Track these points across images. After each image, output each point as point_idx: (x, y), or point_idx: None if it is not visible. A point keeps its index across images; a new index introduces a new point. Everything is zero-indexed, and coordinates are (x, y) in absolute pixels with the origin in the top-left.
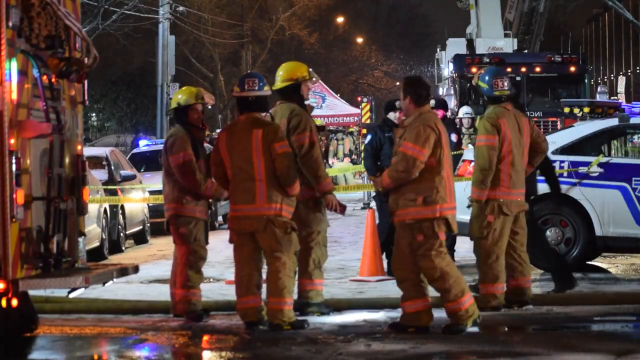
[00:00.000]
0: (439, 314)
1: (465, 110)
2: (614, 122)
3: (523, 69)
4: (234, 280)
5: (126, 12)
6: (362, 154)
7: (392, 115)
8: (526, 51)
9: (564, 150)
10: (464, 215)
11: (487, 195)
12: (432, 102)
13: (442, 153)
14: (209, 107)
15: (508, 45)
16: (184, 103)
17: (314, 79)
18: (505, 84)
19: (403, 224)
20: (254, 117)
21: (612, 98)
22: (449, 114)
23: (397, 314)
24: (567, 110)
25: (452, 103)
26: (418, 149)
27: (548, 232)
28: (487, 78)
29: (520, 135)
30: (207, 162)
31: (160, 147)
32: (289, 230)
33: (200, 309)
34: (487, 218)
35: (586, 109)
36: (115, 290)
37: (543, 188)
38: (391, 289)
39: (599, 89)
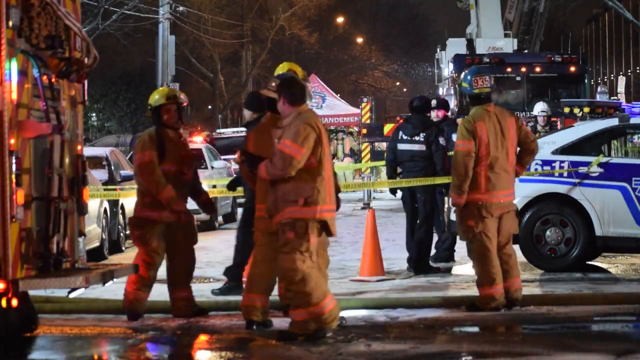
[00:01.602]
0: (437, 313)
1: (540, 108)
2: (614, 122)
3: (523, 69)
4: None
5: (126, 12)
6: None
7: (432, 115)
8: (526, 51)
9: (564, 150)
10: None
11: (467, 199)
12: (434, 102)
13: (322, 153)
14: (184, 105)
15: (508, 45)
16: (155, 104)
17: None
18: (486, 82)
19: (279, 224)
20: (277, 116)
21: (612, 98)
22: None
23: (397, 313)
24: (567, 110)
25: (452, 103)
26: (296, 147)
27: (548, 232)
28: (468, 77)
29: (503, 137)
30: (180, 164)
31: None
32: None
33: (142, 310)
34: (467, 222)
35: (586, 109)
36: (115, 290)
37: (542, 188)
38: (391, 289)
39: (599, 89)
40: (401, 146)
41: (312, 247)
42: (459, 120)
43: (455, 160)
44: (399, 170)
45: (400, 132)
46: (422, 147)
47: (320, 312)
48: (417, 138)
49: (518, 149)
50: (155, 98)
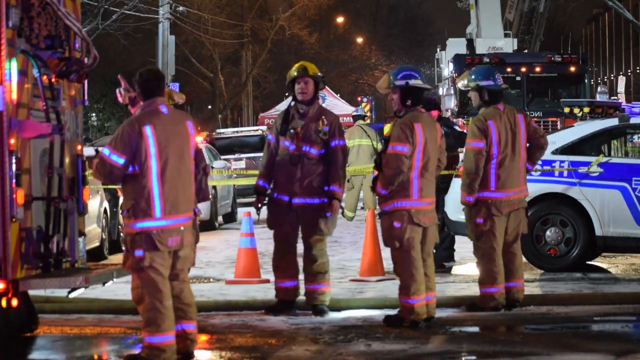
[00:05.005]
0: (437, 313)
1: None
2: (614, 122)
3: (523, 69)
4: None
5: (126, 12)
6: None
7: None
8: (526, 51)
9: (564, 150)
10: (462, 215)
11: (476, 198)
12: None
13: (146, 157)
14: (179, 103)
15: (508, 45)
16: None
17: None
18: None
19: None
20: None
21: (612, 98)
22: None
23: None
24: (567, 110)
25: (452, 103)
26: (114, 153)
27: (548, 232)
28: (485, 73)
29: (514, 134)
30: None
31: None
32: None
33: None
34: (476, 220)
35: (586, 109)
36: (115, 290)
37: (542, 188)
38: (391, 289)
39: (599, 89)
40: None
41: (152, 259)
42: (460, 120)
43: (466, 159)
44: None
45: None
46: None
47: (146, 344)
48: None
49: (527, 145)
50: None
